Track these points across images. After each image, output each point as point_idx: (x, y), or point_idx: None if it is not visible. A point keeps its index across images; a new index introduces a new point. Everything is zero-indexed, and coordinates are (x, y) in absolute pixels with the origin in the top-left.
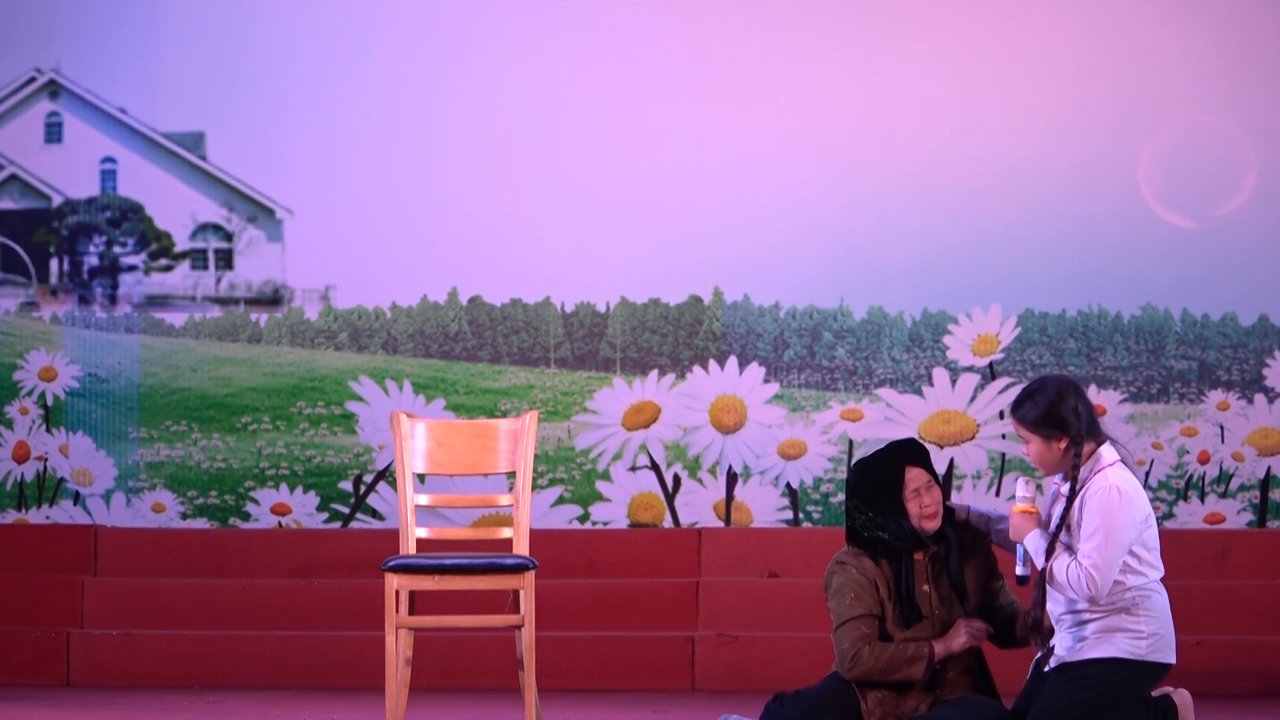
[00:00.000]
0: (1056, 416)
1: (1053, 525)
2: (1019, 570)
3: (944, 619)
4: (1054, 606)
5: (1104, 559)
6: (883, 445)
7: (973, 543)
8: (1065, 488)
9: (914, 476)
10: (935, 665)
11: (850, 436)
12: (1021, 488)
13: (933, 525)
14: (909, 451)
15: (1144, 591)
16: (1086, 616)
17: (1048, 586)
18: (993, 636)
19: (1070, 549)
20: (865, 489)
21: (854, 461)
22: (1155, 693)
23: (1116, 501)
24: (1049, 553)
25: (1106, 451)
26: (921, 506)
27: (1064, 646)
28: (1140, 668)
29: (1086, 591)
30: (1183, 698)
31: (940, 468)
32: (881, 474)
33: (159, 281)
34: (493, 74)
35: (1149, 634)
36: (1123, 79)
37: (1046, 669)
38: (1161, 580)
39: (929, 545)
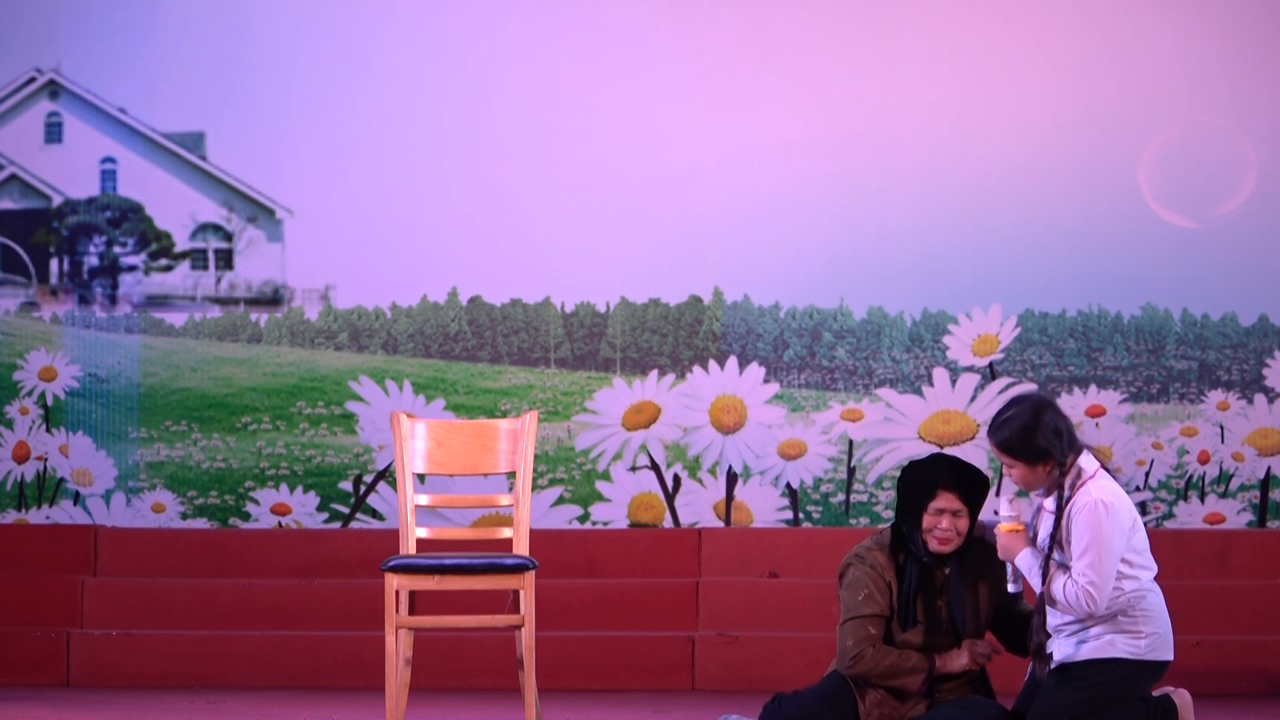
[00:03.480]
0: (1037, 445)
1: (1042, 543)
2: (1010, 587)
3: (945, 637)
4: (1053, 617)
5: (1099, 575)
6: (942, 453)
7: (989, 559)
8: (1050, 503)
9: (943, 498)
10: (932, 680)
11: (850, 436)
12: (1005, 506)
13: (937, 547)
14: (953, 475)
15: (1139, 593)
16: (1086, 622)
17: (1048, 607)
18: (1011, 643)
19: (1064, 566)
20: (902, 483)
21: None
22: (1155, 692)
23: (1104, 516)
24: (1044, 573)
25: (1086, 462)
26: (934, 525)
27: (1064, 651)
28: (1140, 666)
29: (1086, 609)
30: (1182, 698)
31: None
32: (916, 479)
33: (159, 281)
34: (493, 74)
35: (1148, 634)
36: (1123, 79)
37: (1046, 670)
38: (1155, 578)
39: (932, 563)
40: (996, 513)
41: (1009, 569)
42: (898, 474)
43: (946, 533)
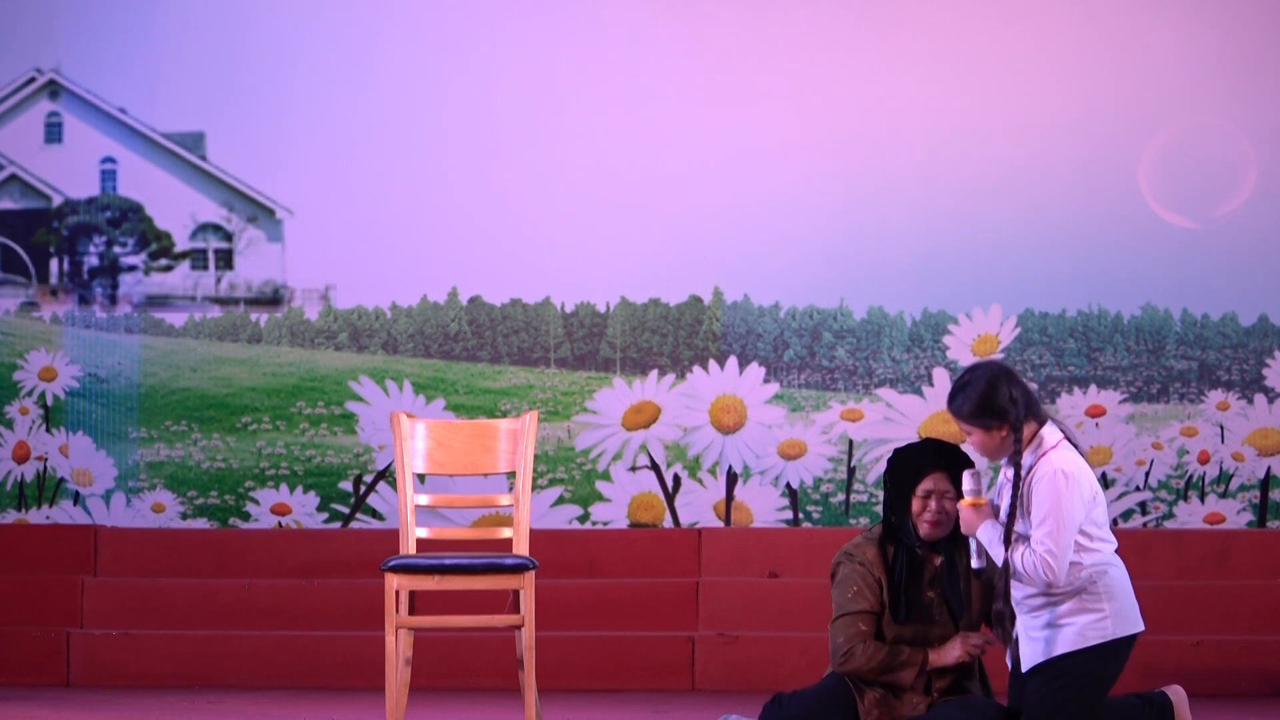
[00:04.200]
0: (993, 406)
1: (1004, 513)
2: (974, 563)
3: (940, 630)
4: (1015, 591)
5: (1058, 544)
6: (929, 438)
7: None
8: (1011, 473)
9: (931, 480)
10: (927, 673)
11: (850, 436)
12: (968, 480)
13: (927, 531)
14: (939, 456)
15: (1100, 568)
16: (1047, 600)
17: (1011, 578)
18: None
19: (1025, 538)
20: (889, 470)
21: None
22: (1150, 691)
23: (1063, 485)
24: (1005, 543)
25: (1049, 433)
26: (924, 508)
27: (1031, 642)
28: (1111, 647)
29: (1044, 577)
30: (1177, 694)
31: None
32: (903, 464)
33: (159, 281)
34: (493, 74)
35: (1111, 613)
36: (1123, 79)
37: (1024, 670)
38: (1116, 551)
39: (929, 547)
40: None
41: (972, 544)
42: None
43: (937, 515)
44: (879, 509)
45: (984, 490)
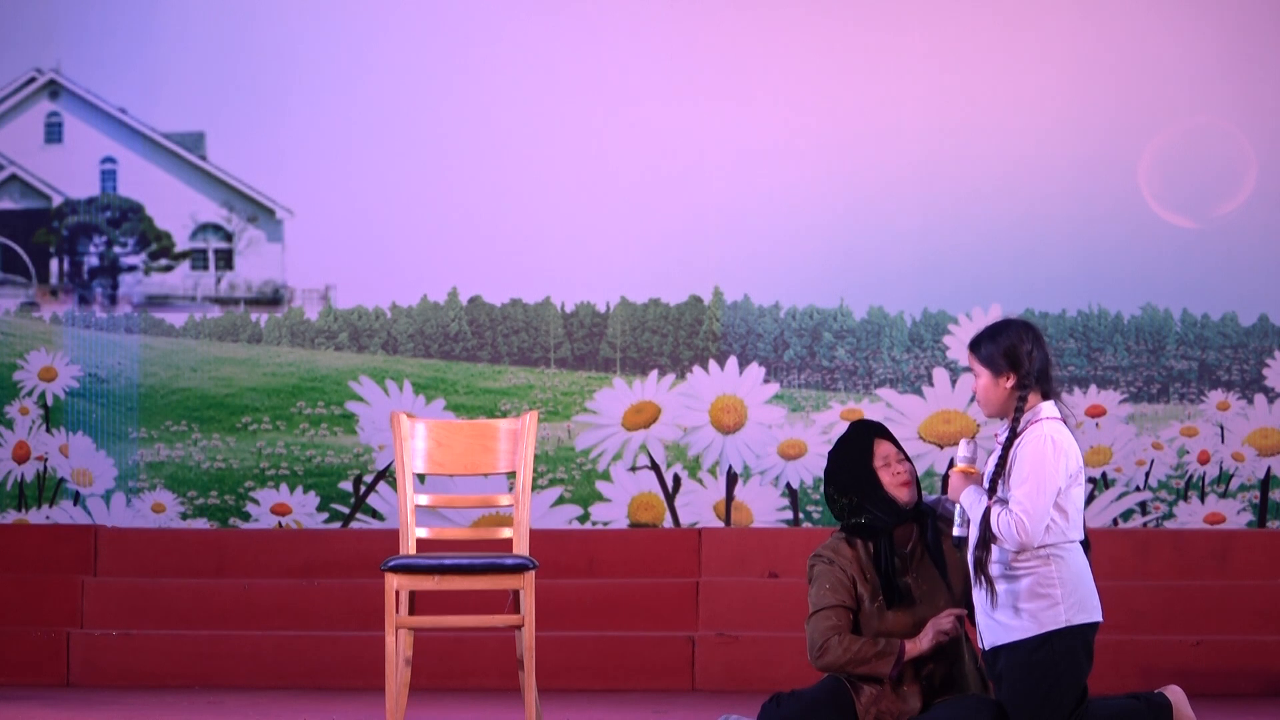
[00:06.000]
0: (1010, 353)
1: (989, 472)
2: (956, 531)
3: (926, 610)
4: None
5: (1034, 505)
6: (851, 423)
7: (947, 525)
8: (1004, 435)
9: (882, 448)
10: (904, 663)
11: None
12: (963, 448)
13: (907, 495)
14: (874, 428)
15: (1058, 551)
16: (998, 571)
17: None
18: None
19: (1005, 501)
20: (838, 470)
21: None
22: (1149, 691)
23: (1049, 451)
24: (991, 493)
25: (1048, 407)
26: (893, 475)
27: (988, 620)
28: (1068, 634)
29: (1017, 538)
30: (1175, 694)
31: (940, 468)
32: (850, 450)
33: (159, 281)
34: (492, 74)
35: (1063, 598)
36: (1123, 79)
37: (984, 648)
38: (1083, 544)
39: (908, 518)
40: (954, 455)
41: (956, 512)
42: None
43: (902, 475)
44: None
45: (977, 460)
